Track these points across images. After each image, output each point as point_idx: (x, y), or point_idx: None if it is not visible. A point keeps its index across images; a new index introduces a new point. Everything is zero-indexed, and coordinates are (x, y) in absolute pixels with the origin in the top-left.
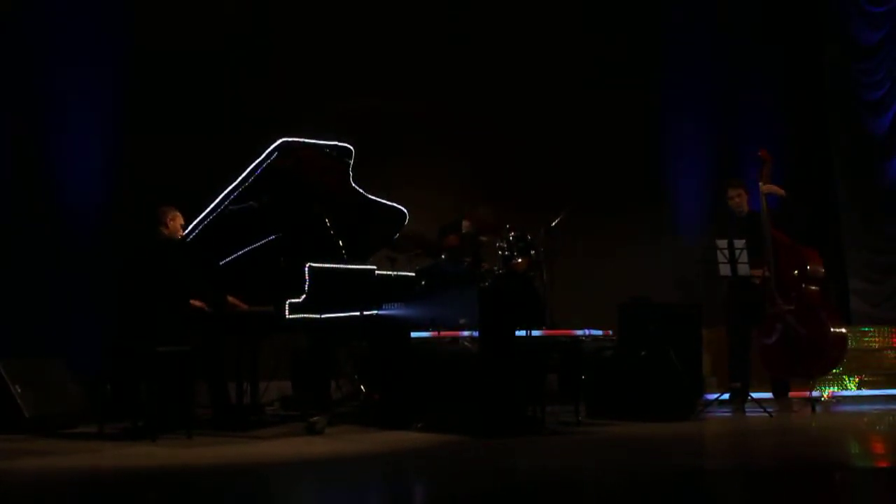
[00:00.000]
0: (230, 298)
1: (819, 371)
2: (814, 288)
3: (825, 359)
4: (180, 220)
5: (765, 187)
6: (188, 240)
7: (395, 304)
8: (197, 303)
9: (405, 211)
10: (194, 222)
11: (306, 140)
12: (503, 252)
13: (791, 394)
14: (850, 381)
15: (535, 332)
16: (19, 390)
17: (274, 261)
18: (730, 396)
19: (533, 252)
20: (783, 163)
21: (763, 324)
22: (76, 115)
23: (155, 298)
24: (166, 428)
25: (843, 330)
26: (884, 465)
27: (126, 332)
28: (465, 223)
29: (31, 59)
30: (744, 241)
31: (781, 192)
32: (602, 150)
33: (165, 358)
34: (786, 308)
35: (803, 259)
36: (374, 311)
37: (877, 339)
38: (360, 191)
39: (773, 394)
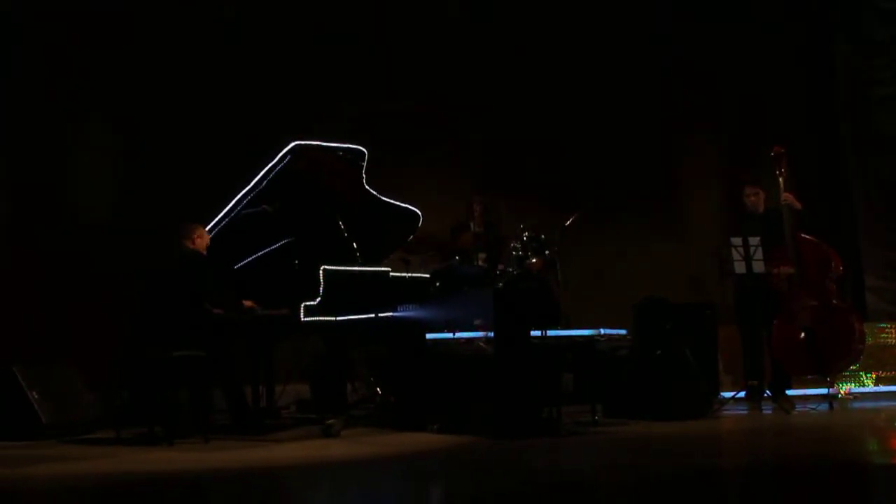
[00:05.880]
0: (246, 302)
1: (839, 367)
2: (834, 285)
3: (846, 354)
4: (207, 239)
5: (785, 196)
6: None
7: (410, 306)
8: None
9: (418, 212)
10: (208, 227)
11: (319, 143)
12: (517, 252)
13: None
14: (866, 377)
15: (551, 333)
16: (36, 397)
17: (288, 264)
18: (746, 394)
19: (547, 252)
20: (796, 160)
21: (783, 320)
22: (88, 120)
23: (174, 306)
24: (183, 433)
25: (862, 326)
26: None
27: (142, 338)
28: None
29: (41, 64)
30: (758, 238)
31: (798, 205)
32: (615, 150)
33: (181, 363)
34: (808, 304)
35: (826, 255)
36: (389, 314)
37: (893, 335)
38: (374, 193)
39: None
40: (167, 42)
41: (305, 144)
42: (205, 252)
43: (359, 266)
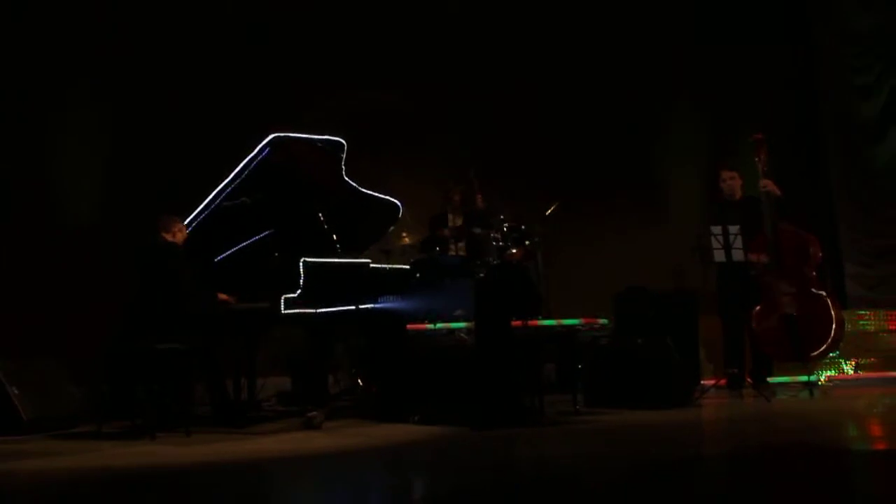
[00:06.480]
0: (221, 295)
1: (819, 354)
2: (814, 272)
3: (826, 341)
4: (185, 233)
5: (764, 182)
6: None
7: (391, 297)
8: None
9: (399, 204)
10: (188, 219)
11: (298, 135)
12: (498, 243)
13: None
14: (846, 364)
15: (532, 323)
16: (17, 392)
17: (268, 256)
18: (727, 382)
19: (528, 242)
20: (777, 147)
21: (763, 307)
22: (70, 113)
23: (153, 299)
24: (165, 426)
25: (841, 313)
26: (882, 447)
27: (124, 332)
28: (454, 196)
29: (26, 61)
30: (738, 226)
31: (778, 192)
32: (595, 139)
33: (163, 356)
34: (787, 291)
35: (805, 243)
36: (370, 305)
37: (872, 322)
38: (353, 184)
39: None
40: (151, 37)
41: (284, 136)
42: (181, 246)
43: (339, 257)
